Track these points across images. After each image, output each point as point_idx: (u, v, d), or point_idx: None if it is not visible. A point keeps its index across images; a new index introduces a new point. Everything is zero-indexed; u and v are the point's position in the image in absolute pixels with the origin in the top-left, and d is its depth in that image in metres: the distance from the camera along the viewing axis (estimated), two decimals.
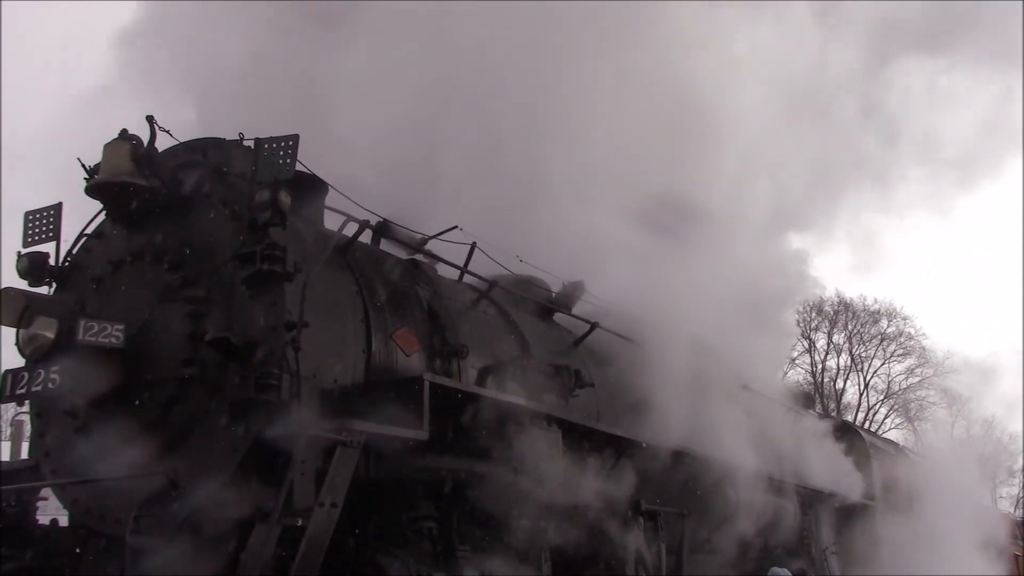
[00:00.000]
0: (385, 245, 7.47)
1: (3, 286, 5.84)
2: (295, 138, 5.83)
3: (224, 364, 5.61)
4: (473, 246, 7.93)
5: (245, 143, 6.24)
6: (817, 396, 39.15)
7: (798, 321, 41.16)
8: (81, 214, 6.60)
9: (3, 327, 5.84)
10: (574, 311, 9.32)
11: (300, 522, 4.91)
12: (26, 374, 5.68)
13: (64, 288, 6.50)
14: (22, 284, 6.33)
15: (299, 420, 5.33)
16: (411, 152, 7.96)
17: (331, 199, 6.86)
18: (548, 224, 8.86)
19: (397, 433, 5.73)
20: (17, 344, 5.88)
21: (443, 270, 7.86)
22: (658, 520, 8.54)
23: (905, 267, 67.64)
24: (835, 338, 44.83)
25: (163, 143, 6.23)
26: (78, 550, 5.88)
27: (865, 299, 44.47)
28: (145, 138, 6.03)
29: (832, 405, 41.91)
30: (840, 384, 44.98)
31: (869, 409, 44.85)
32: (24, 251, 6.53)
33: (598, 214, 8.94)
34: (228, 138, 6.41)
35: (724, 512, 10.31)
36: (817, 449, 13.32)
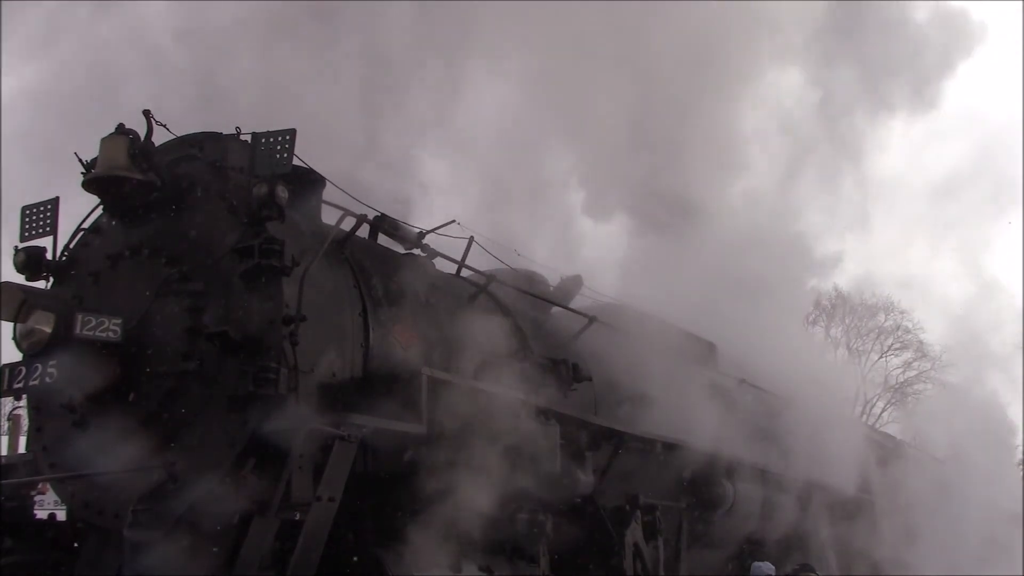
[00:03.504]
0: (383, 239, 7.46)
1: (1, 281, 5.84)
2: (292, 132, 5.82)
3: (222, 358, 5.61)
4: (471, 240, 7.92)
5: (242, 137, 6.23)
6: None
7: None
8: (78, 208, 6.60)
9: (1, 321, 5.84)
10: (572, 305, 9.31)
11: (298, 516, 4.92)
12: (23, 368, 5.67)
13: (61, 282, 6.48)
14: (19, 279, 6.33)
15: (297, 414, 5.34)
16: (410, 147, 7.94)
17: (328, 193, 6.85)
18: (546, 218, 8.86)
19: (395, 427, 5.74)
20: (14, 338, 5.86)
21: (441, 264, 7.85)
22: (656, 513, 8.55)
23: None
24: (832, 332, 44.86)
25: (160, 137, 6.22)
26: (76, 544, 5.88)
27: (863, 293, 44.51)
28: (142, 132, 6.02)
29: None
30: None
31: (867, 403, 44.89)
32: (21, 245, 6.51)
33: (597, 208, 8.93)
34: (225, 132, 6.39)
35: (722, 505, 10.33)
36: (815, 442, 13.30)
